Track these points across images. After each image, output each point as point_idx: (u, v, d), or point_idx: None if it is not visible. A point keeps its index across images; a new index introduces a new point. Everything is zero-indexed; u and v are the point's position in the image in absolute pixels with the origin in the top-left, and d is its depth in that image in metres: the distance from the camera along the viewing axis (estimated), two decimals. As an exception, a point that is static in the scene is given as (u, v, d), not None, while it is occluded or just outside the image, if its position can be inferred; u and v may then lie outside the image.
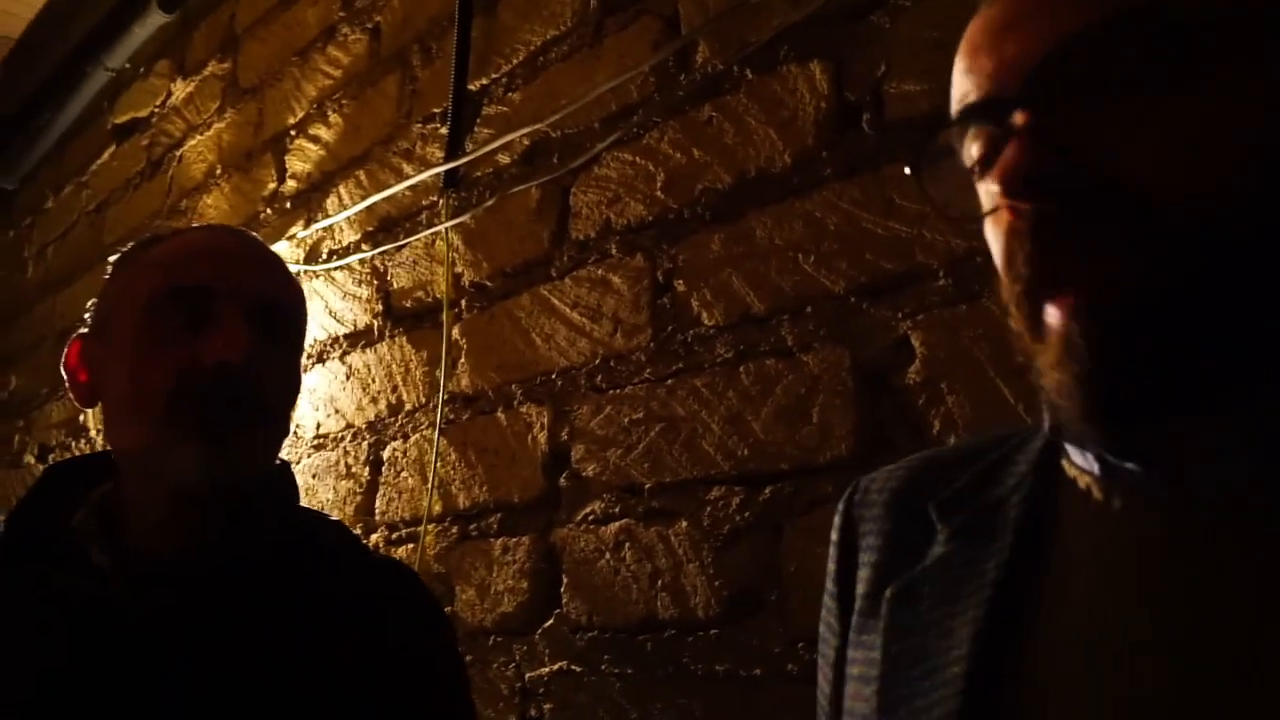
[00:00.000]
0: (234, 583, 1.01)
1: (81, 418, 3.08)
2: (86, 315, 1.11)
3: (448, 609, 1.65)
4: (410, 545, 1.77)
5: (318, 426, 2.09)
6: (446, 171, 1.86)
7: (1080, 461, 0.55)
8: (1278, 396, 0.47)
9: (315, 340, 2.15)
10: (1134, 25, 0.48)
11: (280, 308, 1.07)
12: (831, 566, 0.69)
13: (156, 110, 3.08)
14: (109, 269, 1.12)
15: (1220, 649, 0.46)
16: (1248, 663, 0.44)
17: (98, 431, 2.98)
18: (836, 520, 0.70)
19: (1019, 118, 0.51)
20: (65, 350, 1.10)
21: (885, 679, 0.59)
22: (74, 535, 1.03)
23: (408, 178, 1.97)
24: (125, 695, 0.94)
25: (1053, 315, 0.49)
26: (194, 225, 1.26)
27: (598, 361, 1.54)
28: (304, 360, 1.78)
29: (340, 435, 2.03)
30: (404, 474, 1.85)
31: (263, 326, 1.03)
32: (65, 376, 1.10)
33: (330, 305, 2.12)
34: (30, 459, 3.38)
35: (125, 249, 1.13)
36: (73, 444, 3.10)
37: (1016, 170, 0.49)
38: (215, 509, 1.03)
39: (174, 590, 0.99)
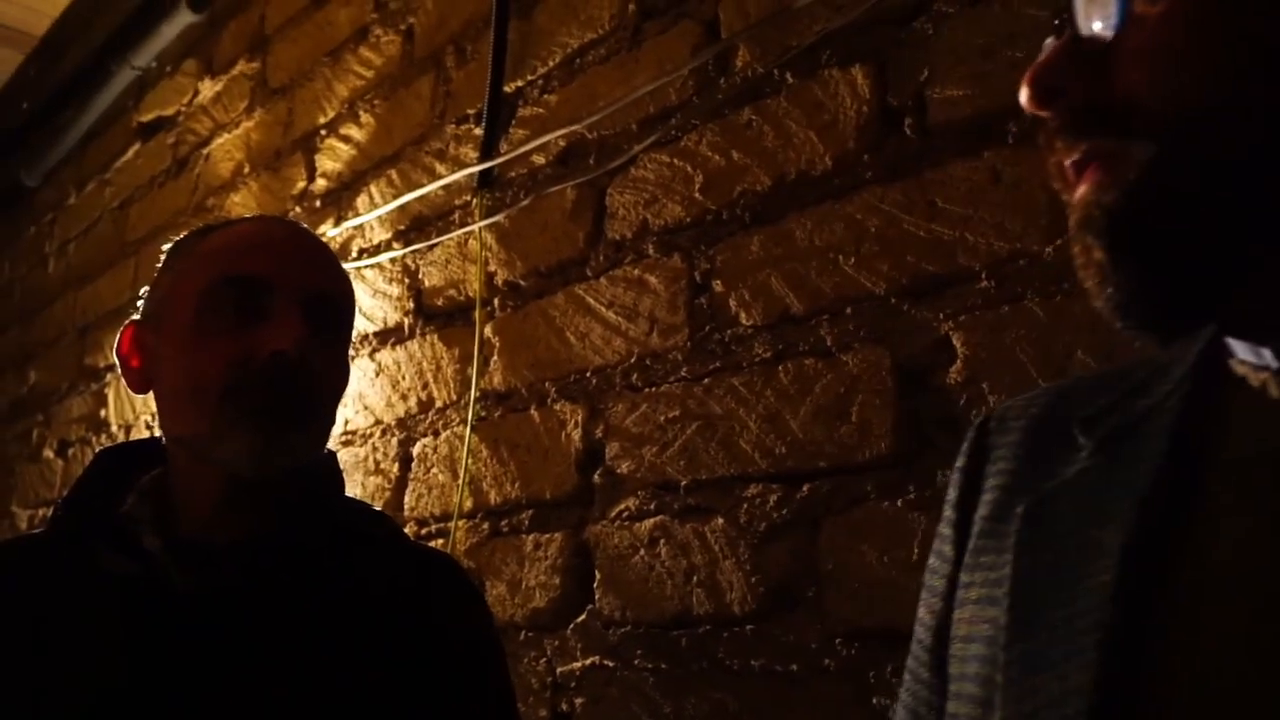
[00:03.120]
0: (284, 568, 1.03)
1: (103, 412, 3.10)
2: (139, 302, 1.13)
3: (478, 604, 1.67)
4: (440, 541, 1.79)
5: (345, 423, 2.10)
6: (481, 171, 1.88)
7: (1251, 358, 0.53)
8: None
9: (344, 337, 2.16)
10: None
11: (332, 299, 1.09)
12: (953, 494, 0.67)
13: (183, 109, 3.11)
14: (162, 257, 1.14)
15: None
16: None
17: (119, 426, 2.99)
18: (965, 447, 0.68)
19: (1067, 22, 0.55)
20: (118, 336, 1.12)
21: (1017, 596, 0.56)
22: (125, 519, 1.04)
23: (440, 177, 1.99)
24: (179, 677, 0.95)
25: (1075, 201, 0.54)
26: (246, 216, 1.28)
27: (633, 360, 1.55)
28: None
29: (369, 431, 2.05)
30: (434, 470, 1.86)
31: (315, 318, 1.05)
32: (117, 362, 1.12)
33: (360, 303, 2.13)
34: (49, 454, 3.40)
35: (179, 238, 1.14)
36: (93, 439, 3.12)
37: (1030, 76, 0.54)
38: (266, 497, 1.05)
39: (226, 575, 1.01)
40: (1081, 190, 0.53)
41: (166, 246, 1.14)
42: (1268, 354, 0.52)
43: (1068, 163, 0.54)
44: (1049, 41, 0.57)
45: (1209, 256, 0.50)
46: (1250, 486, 0.50)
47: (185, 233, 1.15)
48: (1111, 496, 0.55)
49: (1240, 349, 0.54)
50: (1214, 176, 0.49)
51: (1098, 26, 0.53)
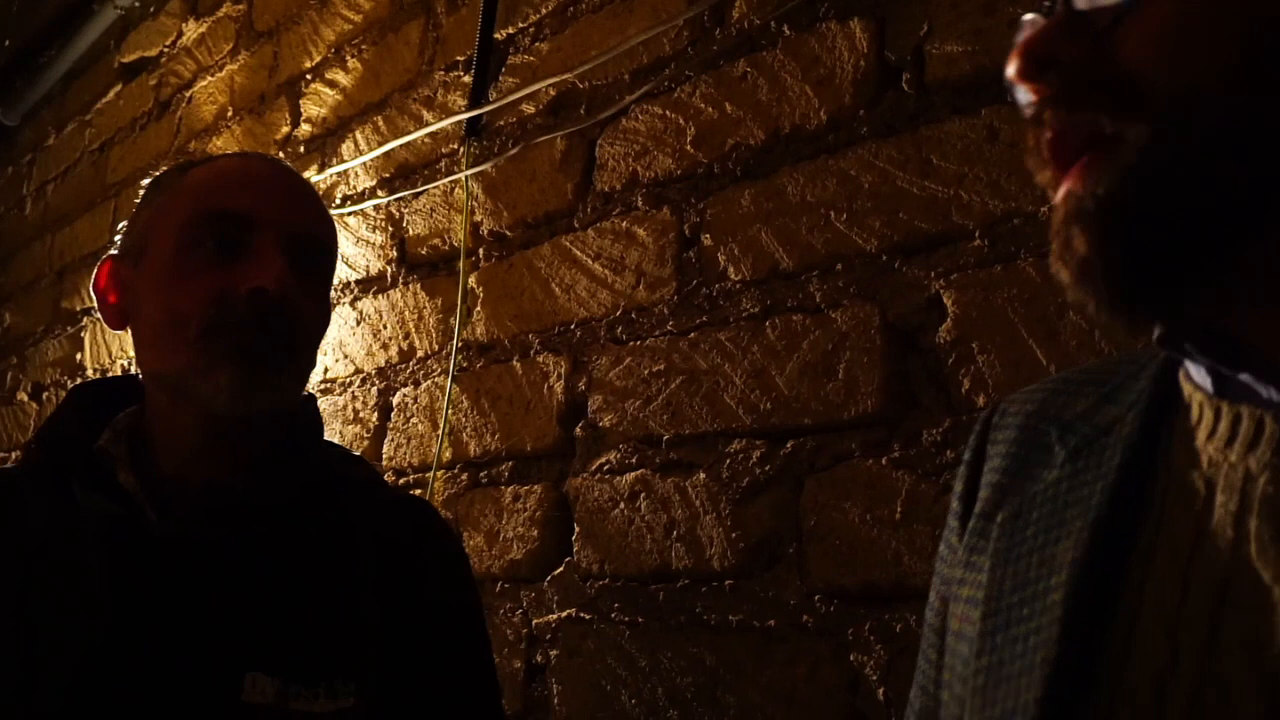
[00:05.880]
0: (263, 509, 1.01)
1: (79, 356, 3.06)
2: (117, 237, 1.10)
3: (455, 555, 1.66)
4: (419, 491, 1.77)
5: (325, 371, 2.08)
6: (469, 120, 1.85)
7: (1196, 377, 0.54)
8: None
9: (326, 285, 2.14)
10: None
11: (315, 239, 1.07)
12: (958, 486, 0.68)
13: (166, 50, 3.05)
14: (142, 192, 1.11)
15: None
16: None
17: (95, 370, 2.96)
18: (971, 441, 0.69)
19: None
20: (95, 271, 1.09)
21: (989, 603, 0.58)
22: (100, 455, 1.03)
23: (428, 125, 1.96)
24: (158, 615, 0.94)
25: (1061, 195, 0.52)
26: (229, 152, 1.26)
27: (619, 313, 1.54)
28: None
29: (349, 380, 2.03)
30: (414, 420, 1.85)
31: (297, 257, 1.03)
32: (94, 298, 1.10)
33: (343, 250, 2.11)
34: (24, 396, 3.37)
35: (160, 173, 1.12)
36: (68, 382, 3.08)
37: (1022, 46, 0.52)
38: (244, 436, 1.03)
39: (203, 515, 1.00)
40: (1069, 183, 0.51)
41: (146, 181, 1.12)
42: (1204, 374, 0.53)
43: (1052, 139, 0.52)
44: (1029, 18, 0.55)
45: (1194, 251, 0.48)
46: (1182, 519, 0.51)
47: (166, 168, 1.13)
48: (1070, 513, 0.56)
49: (1189, 366, 0.55)
50: (1210, 165, 0.47)
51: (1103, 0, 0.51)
